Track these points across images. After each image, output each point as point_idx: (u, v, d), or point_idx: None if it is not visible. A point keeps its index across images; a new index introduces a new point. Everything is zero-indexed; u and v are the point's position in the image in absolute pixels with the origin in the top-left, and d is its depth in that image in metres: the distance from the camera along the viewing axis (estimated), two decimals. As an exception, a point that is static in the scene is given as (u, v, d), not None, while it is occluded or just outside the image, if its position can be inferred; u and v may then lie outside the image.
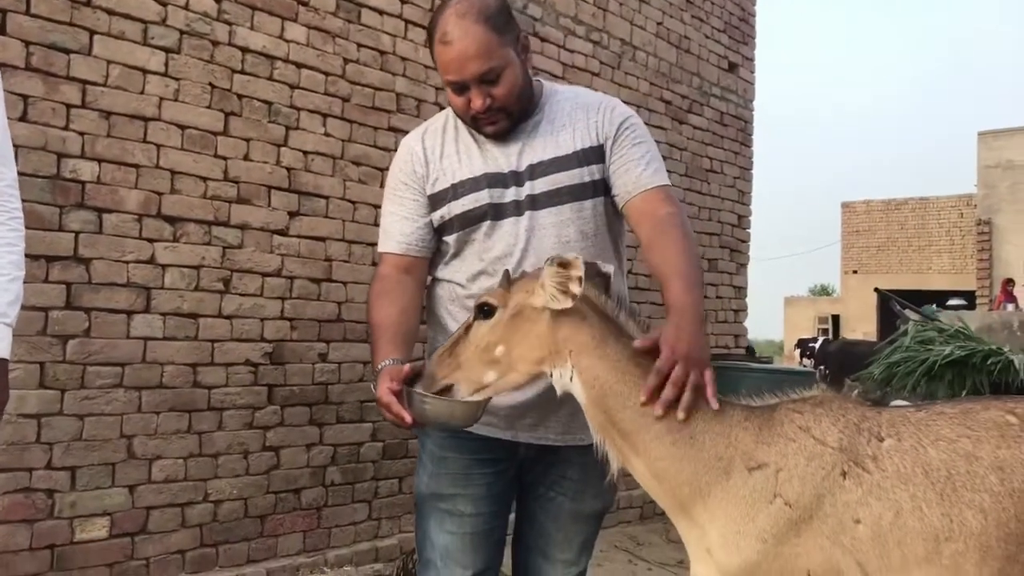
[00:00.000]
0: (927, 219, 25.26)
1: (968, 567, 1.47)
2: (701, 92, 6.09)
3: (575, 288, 1.59)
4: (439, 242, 2.02)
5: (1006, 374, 3.46)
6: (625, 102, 2.09)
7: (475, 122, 1.93)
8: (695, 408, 1.59)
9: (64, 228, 3.19)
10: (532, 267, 1.87)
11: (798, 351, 20.92)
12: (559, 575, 2.10)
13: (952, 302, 15.08)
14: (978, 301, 17.50)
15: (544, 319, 1.65)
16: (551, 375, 1.67)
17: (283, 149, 3.83)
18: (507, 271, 1.77)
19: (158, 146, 3.44)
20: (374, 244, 2.09)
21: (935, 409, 1.63)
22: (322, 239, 3.96)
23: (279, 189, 3.81)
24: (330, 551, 3.94)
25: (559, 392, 1.69)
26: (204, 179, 3.57)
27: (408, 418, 1.71)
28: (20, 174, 1.86)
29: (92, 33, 3.26)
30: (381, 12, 4.20)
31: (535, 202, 1.93)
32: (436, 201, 1.98)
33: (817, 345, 17.47)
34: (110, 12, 3.30)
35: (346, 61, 4.06)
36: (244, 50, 3.69)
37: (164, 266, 3.44)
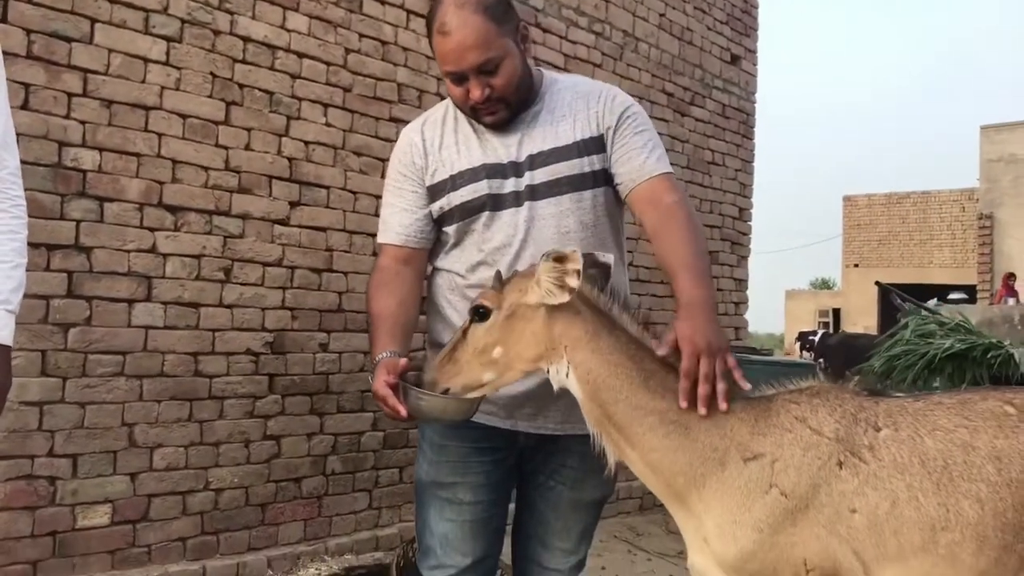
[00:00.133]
0: (929, 213, 25.20)
1: (964, 556, 1.48)
2: (703, 84, 6.08)
3: (572, 282, 1.60)
4: (439, 232, 2.03)
5: (1006, 367, 3.45)
6: (627, 94, 2.09)
7: (474, 112, 1.93)
8: (730, 394, 1.60)
9: (65, 217, 3.19)
10: (532, 258, 1.87)
11: (798, 344, 20.92)
12: (558, 563, 2.11)
13: (953, 296, 15.08)
14: (979, 295, 17.49)
15: (539, 316, 1.66)
16: (548, 372, 1.68)
17: (284, 139, 3.83)
18: (499, 272, 1.78)
19: (159, 135, 3.44)
20: (375, 234, 2.09)
21: (933, 399, 1.63)
22: (323, 229, 3.96)
23: (280, 179, 3.81)
24: (330, 540, 3.95)
25: (556, 388, 1.70)
26: (205, 168, 3.57)
27: (403, 412, 1.72)
28: (21, 162, 1.86)
29: (93, 21, 3.26)
30: (383, 2, 4.19)
31: (534, 192, 1.93)
32: (435, 192, 1.98)
33: (817, 338, 17.46)
34: (111, 0, 3.29)
35: (347, 51, 4.06)
36: (245, 39, 3.69)
37: (165, 255, 3.45)
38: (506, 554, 2.16)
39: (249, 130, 3.71)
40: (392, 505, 4.22)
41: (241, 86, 3.68)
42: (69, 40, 3.20)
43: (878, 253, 25.96)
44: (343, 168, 4.04)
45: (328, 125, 3.99)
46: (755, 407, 1.63)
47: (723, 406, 1.59)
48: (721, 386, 1.60)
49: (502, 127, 1.95)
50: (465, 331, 1.73)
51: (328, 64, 3.98)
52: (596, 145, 1.96)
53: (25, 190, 1.86)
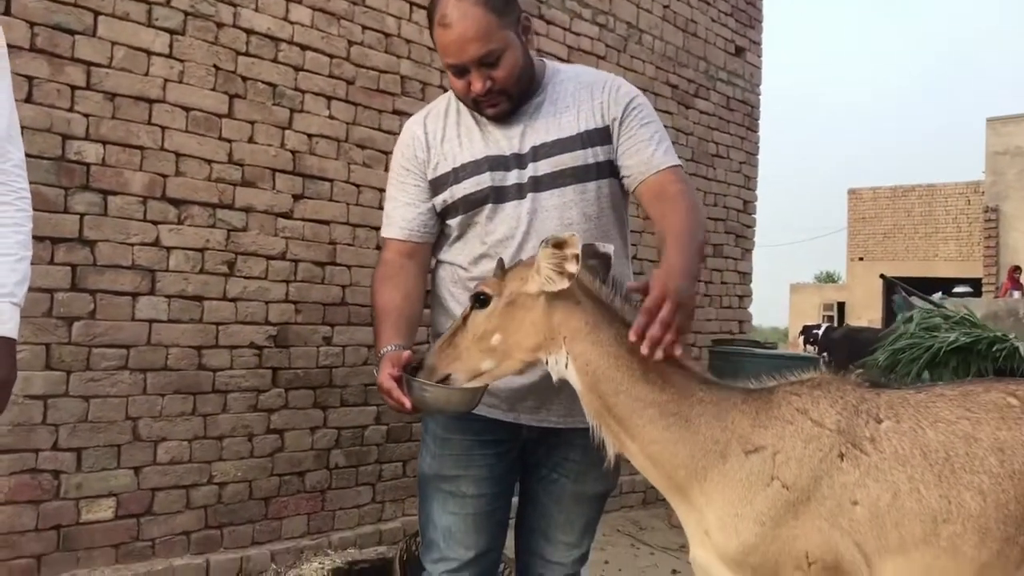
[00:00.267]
0: (934, 206, 25.14)
1: (966, 548, 1.48)
2: (708, 76, 6.06)
3: (571, 267, 1.59)
4: (443, 225, 2.02)
5: (1011, 360, 3.45)
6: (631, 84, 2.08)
7: (476, 105, 1.93)
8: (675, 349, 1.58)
9: (69, 210, 3.19)
10: (534, 250, 1.87)
11: (802, 338, 20.91)
12: (561, 557, 2.11)
13: (958, 289, 15.04)
14: (984, 288, 17.45)
15: (539, 305, 1.65)
16: (547, 362, 1.68)
17: (287, 132, 3.83)
18: (501, 260, 1.78)
19: (163, 128, 3.44)
20: (378, 227, 2.09)
21: (935, 391, 1.63)
22: (326, 222, 3.96)
23: (283, 172, 3.81)
24: (334, 533, 3.96)
25: (555, 379, 1.70)
26: (209, 161, 3.57)
27: (407, 404, 1.72)
28: (25, 155, 1.86)
29: (97, 14, 3.26)
30: (386, -5, 4.19)
31: (538, 184, 1.92)
32: (438, 185, 1.98)
33: (821, 332, 17.44)
34: (114, -6, 3.29)
35: (351, 43, 4.05)
36: (249, 32, 3.69)
37: (169, 248, 3.45)
38: (509, 547, 2.16)
39: (252, 123, 3.71)
40: (395, 499, 4.23)
41: (244, 79, 3.68)
42: (72, 33, 3.19)
43: (883, 246, 25.92)
44: (346, 161, 4.04)
45: (331, 118, 3.98)
46: (756, 399, 1.62)
47: (659, 356, 1.56)
48: (669, 337, 1.56)
49: (504, 119, 1.95)
50: (465, 318, 1.73)
51: (331, 57, 3.97)
52: (600, 136, 1.95)
53: (29, 183, 1.86)
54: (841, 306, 27.83)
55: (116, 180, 3.31)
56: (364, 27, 4.10)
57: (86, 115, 3.23)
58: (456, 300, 1.99)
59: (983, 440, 1.52)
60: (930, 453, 1.52)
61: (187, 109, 3.51)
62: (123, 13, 3.32)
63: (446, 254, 2.04)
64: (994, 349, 3.48)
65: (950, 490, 1.49)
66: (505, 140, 1.95)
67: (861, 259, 26.12)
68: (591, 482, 2.07)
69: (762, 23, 6.65)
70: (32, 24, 3.10)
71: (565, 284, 1.61)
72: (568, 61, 4.91)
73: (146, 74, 3.39)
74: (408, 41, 4.28)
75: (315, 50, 3.91)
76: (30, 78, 3.09)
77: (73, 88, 3.20)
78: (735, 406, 1.61)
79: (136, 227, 3.36)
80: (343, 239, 4.03)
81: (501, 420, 2.00)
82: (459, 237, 2.00)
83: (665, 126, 2.03)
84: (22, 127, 1.91)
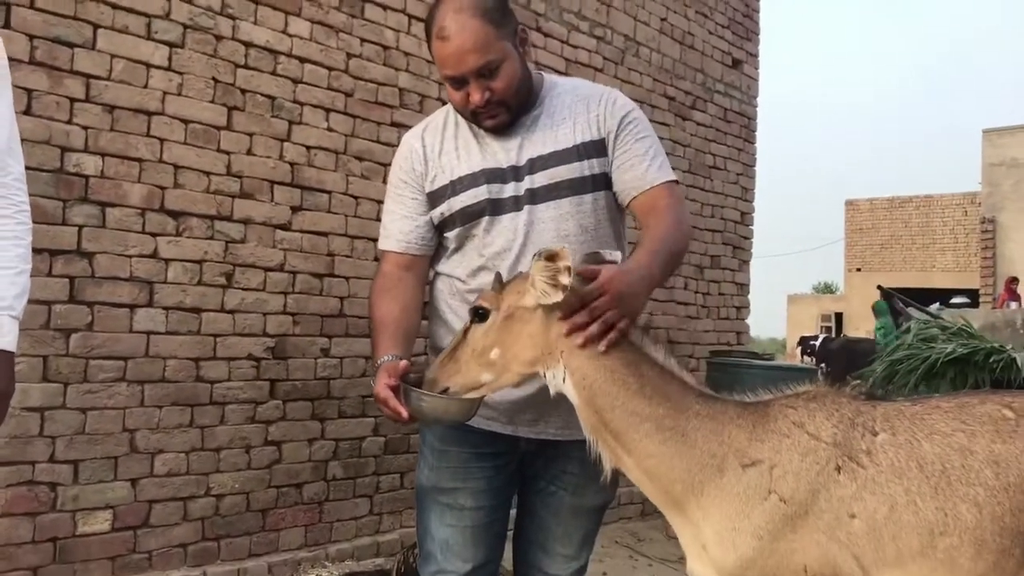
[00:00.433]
0: (931, 217, 25.20)
1: (963, 561, 1.48)
2: (705, 88, 6.09)
3: (564, 279, 1.59)
4: (441, 238, 2.03)
5: (1008, 371, 3.44)
6: (627, 97, 2.09)
7: (475, 116, 1.93)
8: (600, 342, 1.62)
9: (67, 222, 3.20)
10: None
11: (799, 349, 20.90)
12: (559, 569, 2.10)
13: (956, 300, 15.05)
14: (981, 299, 17.47)
15: (536, 319, 1.66)
16: (545, 376, 1.68)
17: (286, 144, 3.84)
18: (499, 273, 1.78)
19: (161, 140, 3.44)
20: (376, 239, 2.10)
21: (931, 403, 1.63)
22: (325, 234, 3.97)
23: (282, 184, 3.82)
24: (331, 545, 3.95)
25: (552, 392, 1.70)
26: (207, 174, 3.58)
27: (404, 414, 1.72)
28: (24, 168, 1.86)
29: (96, 27, 3.27)
30: (384, 7, 4.20)
31: (534, 196, 1.93)
32: (436, 198, 1.99)
33: (818, 343, 17.44)
34: (114, 6, 3.30)
35: (349, 56, 4.06)
36: (247, 45, 3.70)
37: (167, 260, 3.45)
38: (507, 560, 2.16)
39: (251, 135, 3.72)
40: (393, 511, 4.22)
41: (243, 91, 3.69)
42: (71, 46, 3.20)
43: (880, 257, 25.96)
44: (345, 173, 4.05)
45: (330, 130, 3.99)
46: (752, 413, 1.62)
47: (578, 341, 1.61)
48: (595, 326, 1.61)
49: (503, 131, 1.96)
50: (466, 332, 1.74)
51: (330, 69, 3.99)
52: (596, 148, 1.96)
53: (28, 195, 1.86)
54: (839, 317, 27.84)
55: (115, 192, 3.31)
56: (363, 40, 4.12)
57: (85, 127, 3.24)
58: (454, 312, 2.00)
59: (979, 452, 1.52)
60: (926, 465, 1.52)
61: (186, 121, 3.51)
62: (122, 26, 3.33)
63: (444, 266, 2.04)
64: (991, 360, 3.48)
65: (946, 502, 1.50)
66: (503, 153, 1.96)
67: (859, 270, 26.15)
68: (589, 494, 2.07)
69: (759, 35, 6.68)
70: (32, 37, 3.11)
71: (560, 296, 1.61)
72: (566, 74, 4.92)
73: (145, 86, 3.40)
74: (406, 54, 4.29)
75: (314, 63, 3.92)
76: (29, 91, 3.10)
77: (72, 100, 3.21)
78: (732, 420, 1.61)
79: (134, 239, 3.36)
80: (341, 251, 4.03)
81: (499, 433, 2.00)
82: (457, 249, 2.00)
83: (662, 138, 2.05)
84: (21, 140, 1.91)
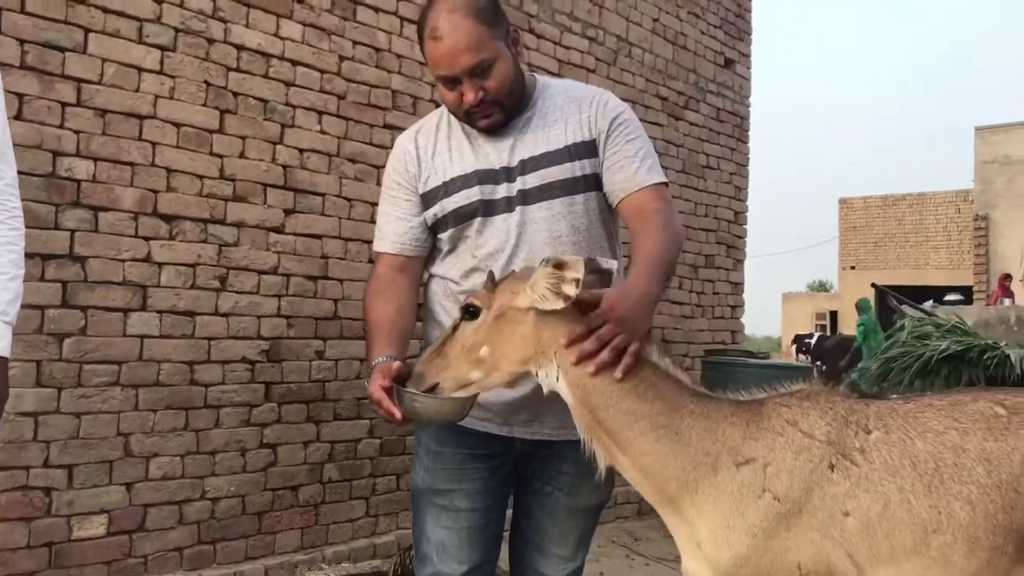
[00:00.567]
0: (924, 215, 25.27)
1: (956, 558, 1.48)
2: (697, 88, 6.10)
3: (569, 290, 1.58)
4: (435, 239, 2.03)
5: (1002, 368, 3.45)
6: (621, 98, 2.09)
7: (468, 116, 1.93)
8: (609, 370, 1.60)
9: (60, 227, 3.19)
10: (524, 262, 1.88)
11: (794, 347, 20.94)
12: (555, 570, 2.11)
13: (949, 297, 15.10)
14: (975, 296, 17.53)
15: (528, 320, 1.66)
16: (537, 375, 1.68)
17: (279, 147, 3.83)
18: (491, 272, 1.78)
19: (153, 144, 3.44)
20: (370, 241, 2.10)
21: (923, 401, 1.64)
22: (318, 236, 3.96)
23: (275, 187, 3.81)
24: (327, 548, 3.95)
25: (545, 391, 1.70)
26: (200, 177, 3.57)
27: (397, 414, 1.72)
28: (16, 173, 1.86)
29: (87, 31, 3.26)
30: (376, 9, 4.20)
31: (526, 197, 1.93)
32: (429, 199, 1.99)
33: (813, 341, 17.49)
34: (105, 10, 3.30)
35: (342, 58, 4.06)
36: (239, 48, 3.70)
37: (160, 264, 3.45)
38: (503, 560, 2.16)
39: (243, 138, 3.71)
40: (389, 512, 4.22)
41: (235, 94, 3.69)
42: (63, 50, 3.20)
43: (874, 255, 26.02)
44: (338, 175, 4.05)
45: (323, 132, 3.99)
46: (746, 411, 1.63)
47: (590, 369, 1.60)
48: (604, 354, 1.60)
49: (496, 131, 1.96)
50: (455, 328, 1.74)
51: (322, 72, 3.98)
52: (587, 149, 1.96)
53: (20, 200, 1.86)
54: (834, 315, 27.90)
55: (107, 196, 3.31)
56: (355, 42, 4.12)
57: (77, 132, 3.23)
58: (448, 314, 2.00)
59: (971, 450, 1.52)
60: (919, 464, 1.53)
61: (178, 125, 3.51)
62: (113, 30, 3.32)
63: (438, 268, 2.05)
64: (985, 357, 3.49)
65: (939, 500, 1.50)
66: (495, 154, 1.96)
67: (853, 268, 26.21)
68: (585, 495, 2.07)
69: (751, 35, 6.70)
70: (22, 41, 3.10)
71: (559, 305, 1.60)
72: (558, 75, 4.93)
73: (137, 90, 3.39)
74: (399, 56, 4.29)
75: (306, 65, 3.92)
76: (20, 95, 3.09)
77: (64, 105, 3.20)
78: (725, 418, 1.61)
79: (127, 243, 3.36)
80: (335, 253, 4.03)
81: (495, 434, 2.00)
82: (450, 251, 2.01)
83: (655, 138, 2.05)
84: (13, 144, 1.91)
